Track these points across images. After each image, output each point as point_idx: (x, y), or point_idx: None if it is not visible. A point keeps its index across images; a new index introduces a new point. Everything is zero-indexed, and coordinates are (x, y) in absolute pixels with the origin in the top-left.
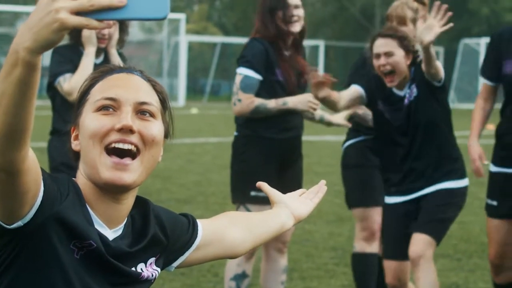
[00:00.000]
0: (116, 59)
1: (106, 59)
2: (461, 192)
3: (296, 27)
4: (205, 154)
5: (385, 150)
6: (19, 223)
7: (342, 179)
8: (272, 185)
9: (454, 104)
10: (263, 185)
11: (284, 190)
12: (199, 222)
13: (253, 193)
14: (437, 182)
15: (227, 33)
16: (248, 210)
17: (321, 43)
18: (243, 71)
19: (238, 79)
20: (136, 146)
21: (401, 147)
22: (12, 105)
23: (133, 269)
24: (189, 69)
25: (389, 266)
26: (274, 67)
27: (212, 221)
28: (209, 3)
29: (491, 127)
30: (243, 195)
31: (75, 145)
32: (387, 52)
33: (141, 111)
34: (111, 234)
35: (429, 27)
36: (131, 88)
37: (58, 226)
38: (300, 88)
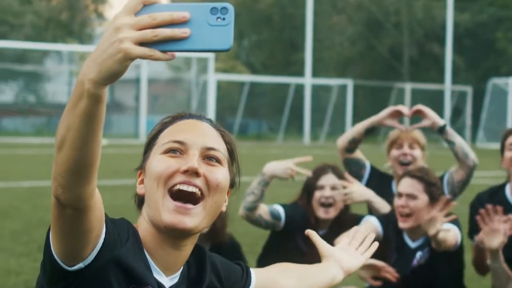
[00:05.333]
0: None
1: None
2: None
3: None
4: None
5: None
6: (80, 265)
7: None
8: None
9: (483, 143)
10: (312, 235)
11: None
12: (252, 270)
13: None
14: None
15: (255, 72)
16: None
17: (349, 82)
18: None
19: None
20: (200, 189)
21: None
22: (78, 139)
23: None
24: (217, 107)
25: None
26: None
27: (264, 270)
28: (237, 42)
29: None
30: None
31: (139, 189)
32: (410, 194)
33: (208, 156)
34: (168, 281)
35: (433, 220)
36: (200, 133)
37: (118, 269)
38: None
